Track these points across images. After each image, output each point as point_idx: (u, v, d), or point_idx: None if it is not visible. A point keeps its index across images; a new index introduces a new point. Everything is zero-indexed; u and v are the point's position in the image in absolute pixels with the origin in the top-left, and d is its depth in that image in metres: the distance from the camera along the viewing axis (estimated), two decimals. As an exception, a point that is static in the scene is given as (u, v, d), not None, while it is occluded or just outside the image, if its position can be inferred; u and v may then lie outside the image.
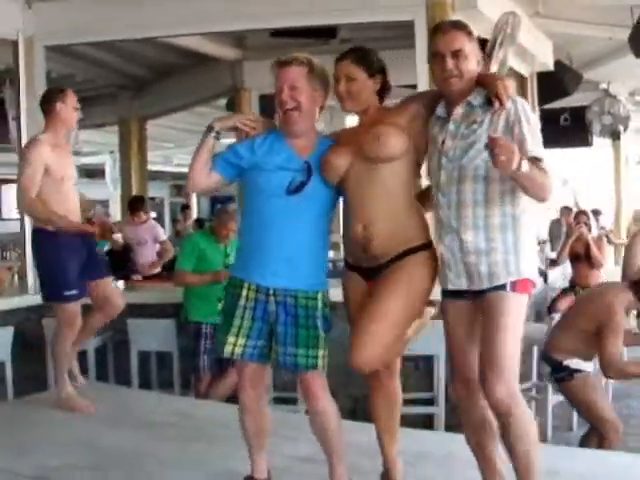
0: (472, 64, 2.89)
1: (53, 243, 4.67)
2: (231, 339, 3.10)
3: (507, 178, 2.71)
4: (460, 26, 2.94)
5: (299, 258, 3.06)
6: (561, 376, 4.89)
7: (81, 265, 4.75)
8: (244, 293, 3.11)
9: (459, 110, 2.90)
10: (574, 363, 4.85)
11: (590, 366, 4.87)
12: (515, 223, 2.81)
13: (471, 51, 2.88)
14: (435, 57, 2.89)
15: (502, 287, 2.78)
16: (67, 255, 4.68)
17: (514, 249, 2.80)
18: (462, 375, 2.96)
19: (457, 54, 2.84)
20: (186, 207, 16.58)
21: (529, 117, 2.77)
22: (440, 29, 2.94)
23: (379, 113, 3.09)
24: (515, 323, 2.78)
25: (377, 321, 2.93)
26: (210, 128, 3.16)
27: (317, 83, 3.10)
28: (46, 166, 4.65)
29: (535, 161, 2.69)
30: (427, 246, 3.04)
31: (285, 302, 3.07)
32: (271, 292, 3.08)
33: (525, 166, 2.59)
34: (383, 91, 3.13)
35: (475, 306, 2.88)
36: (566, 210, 11.92)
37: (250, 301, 3.10)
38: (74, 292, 4.70)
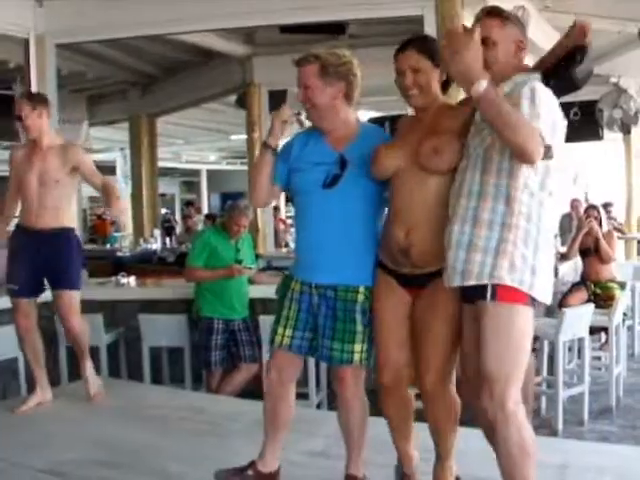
0: (502, 53, 2.74)
1: (10, 237, 4.93)
2: (280, 330, 3.14)
3: (503, 174, 2.61)
4: (495, 13, 2.79)
5: (339, 252, 3.06)
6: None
7: (34, 266, 4.71)
8: (292, 286, 3.17)
9: None
10: None
11: None
12: (507, 225, 2.62)
13: (503, 39, 2.74)
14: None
15: (482, 294, 2.65)
16: (16, 250, 4.78)
17: (495, 251, 2.63)
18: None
19: (485, 42, 2.67)
20: (190, 203, 16.59)
21: (534, 97, 2.54)
22: (476, 17, 2.81)
23: (439, 112, 2.94)
24: (498, 336, 2.64)
25: (433, 345, 2.87)
26: (266, 145, 3.21)
27: (333, 77, 3.07)
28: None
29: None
30: None
31: (326, 295, 3.09)
32: (314, 285, 3.11)
33: (482, 85, 2.45)
34: (447, 82, 2.99)
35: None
36: (577, 203, 11.89)
37: (296, 293, 3.15)
38: (13, 287, 4.75)
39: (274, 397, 3.23)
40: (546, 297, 2.71)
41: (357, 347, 3.05)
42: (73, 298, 4.84)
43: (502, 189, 2.63)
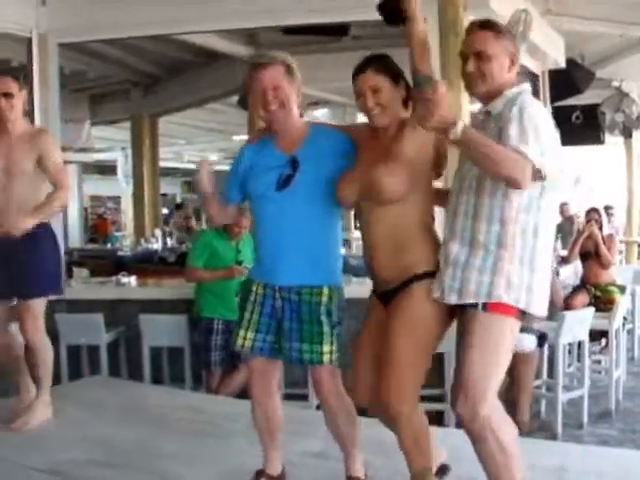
0: (497, 67, 2.73)
1: None
2: (242, 332, 3.16)
3: (498, 195, 2.62)
4: (489, 26, 2.79)
5: (299, 253, 3.07)
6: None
7: (4, 269, 4.32)
8: (254, 289, 3.18)
9: (479, 117, 2.83)
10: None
11: None
12: (503, 245, 2.64)
13: (498, 53, 2.73)
14: (461, 57, 2.79)
15: (474, 305, 2.67)
16: None
17: (491, 270, 2.64)
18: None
19: (480, 55, 2.72)
20: (179, 206, 16.64)
21: (522, 118, 2.53)
22: (467, 29, 2.84)
23: (398, 133, 2.89)
24: (487, 344, 2.65)
25: (389, 365, 2.81)
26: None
27: (294, 80, 3.11)
28: None
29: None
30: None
31: (290, 298, 3.10)
32: (277, 288, 3.12)
33: (458, 130, 2.43)
34: (407, 98, 2.96)
35: None
36: (565, 207, 11.95)
37: (259, 297, 3.16)
38: None
39: (264, 406, 3.26)
40: (543, 311, 2.74)
41: (325, 348, 3.06)
42: (38, 309, 4.39)
43: (496, 210, 2.64)
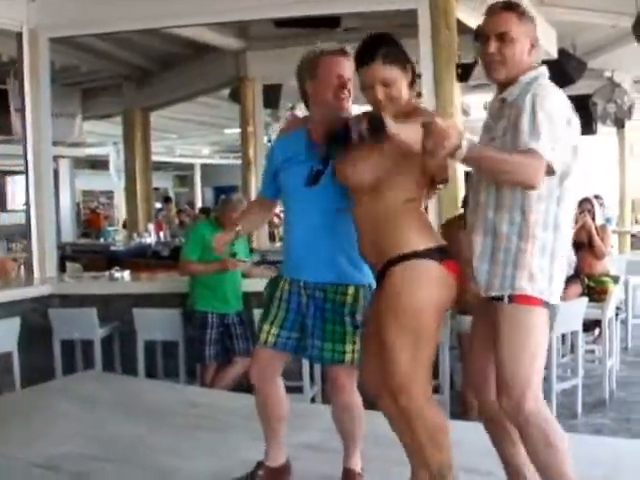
0: (519, 50, 2.64)
1: None
2: (266, 327, 3.14)
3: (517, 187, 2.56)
4: (512, 7, 2.67)
5: (326, 250, 3.04)
6: None
7: None
8: (280, 285, 3.16)
9: (495, 104, 2.75)
10: None
11: None
12: (523, 236, 2.59)
13: (520, 35, 2.64)
14: (480, 39, 2.69)
15: (500, 298, 2.63)
16: None
17: (514, 263, 2.61)
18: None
19: (502, 37, 2.62)
20: (167, 199, 16.62)
21: (535, 110, 2.46)
22: (488, 10, 2.70)
23: (409, 115, 2.75)
24: (517, 337, 2.60)
25: (385, 360, 2.74)
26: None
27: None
28: None
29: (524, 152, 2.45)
30: (420, 254, 2.72)
31: (314, 295, 3.08)
32: (302, 284, 3.10)
33: (462, 150, 2.37)
34: (413, 78, 2.86)
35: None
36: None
37: (285, 293, 3.14)
38: None
39: (264, 395, 3.23)
40: (558, 299, 2.71)
41: (348, 347, 3.03)
42: None
43: (517, 200, 2.60)
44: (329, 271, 3.05)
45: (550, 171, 2.47)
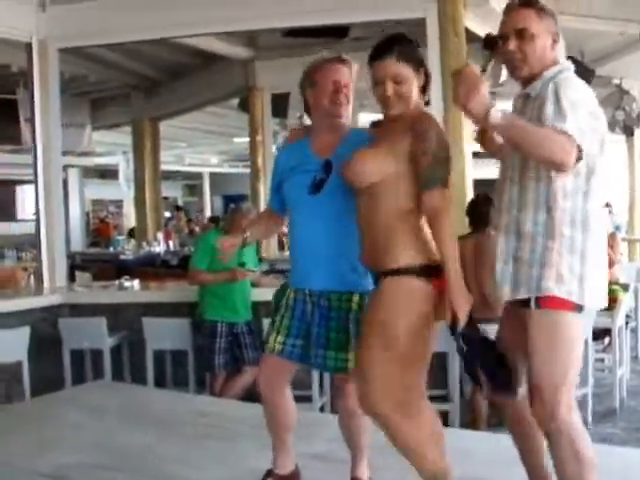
0: (540, 47, 2.61)
1: None
2: (272, 335, 3.14)
3: (542, 180, 2.50)
4: (531, 4, 2.63)
5: (330, 258, 3.04)
6: None
7: None
8: (287, 293, 3.17)
9: (519, 100, 2.71)
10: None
11: None
12: (550, 235, 2.52)
13: (541, 32, 2.62)
14: (500, 38, 2.65)
15: (526, 303, 2.57)
16: None
17: (540, 263, 2.53)
18: None
19: (522, 33, 2.59)
20: (178, 208, 16.65)
21: (559, 96, 2.42)
22: (507, 8, 2.68)
23: (413, 127, 2.69)
24: (547, 343, 2.54)
25: (359, 368, 2.74)
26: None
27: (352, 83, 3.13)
28: None
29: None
30: (415, 270, 2.68)
31: (319, 303, 3.07)
32: (307, 292, 3.10)
33: (496, 115, 2.35)
34: (426, 84, 2.83)
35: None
36: None
37: (291, 300, 3.15)
38: None
39: (272, 404, 3.23)
40: (600, 302, 2.63)
41: (351, 355, 3.00)
42: None
43: (541, 197, 2.54)
44: (333, 279, 3.05)
45: (579, 156, 2.39)
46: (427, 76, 2.83)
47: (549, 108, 2.42)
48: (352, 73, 3.10)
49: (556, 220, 2.51)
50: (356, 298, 3.04)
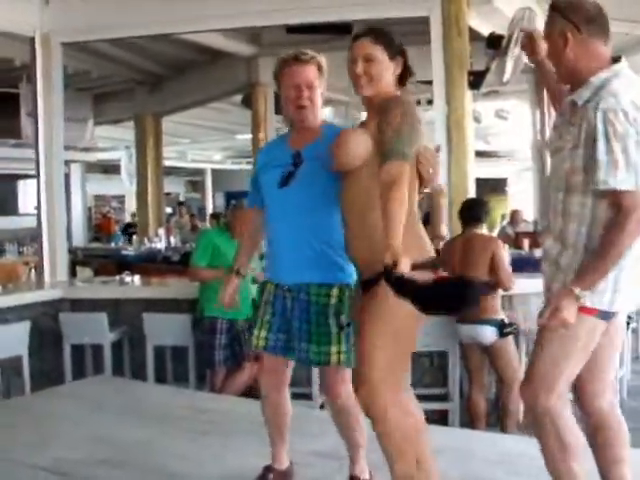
0: (560, 50, 2.58)
1: None
2: (256, 332, 3.18)
3: (588, 193, 2.50)
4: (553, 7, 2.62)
5: (304, 252, 3.05)
6: (509, 330, 5.17)
7: None
8: (267, 289, 3.20)
9: (566, 106, 2.65)
10: (506, 316, 5.22)
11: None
12: (589, 245, 2.52)
13: (548, 36, 2.64)
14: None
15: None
16: None
17: (570, 269, 2.55)
18: None
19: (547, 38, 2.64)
20: (180, 203, 16.68)
21: (608, 131, 2.41)
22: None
23: (383, 105, 2.69)
24: (558, 340, 2.57)
25: (359, 359, 2.72)
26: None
27: (322, 81, 3.15)
28: None
29: (611, 203, 2.44)
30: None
31: (299, 297, 3.09)
32: (286, 288, 3.12)
33: (580, 298, 2.44)
34: (404, 76, 2.86)
35: None
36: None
37: (271, 296, 3.17)
38: None
39: (272, 401, 3.26)
40: (630, 306, 2.68)
41: (333, 348, 3.02)
42: None
43: (587, 210, 2.53)
44: (311, 272, 3.06)
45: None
46: (405, 67, 2.84)
47: (601, 146, 2.41)
48: (319, 69, 3.12)
49: (598, 234, 2.51)
50: (335, 291, 3.04)
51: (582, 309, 2.50)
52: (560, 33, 2.57)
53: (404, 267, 2.38)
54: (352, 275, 3.01)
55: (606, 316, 2.57)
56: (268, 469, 3.34)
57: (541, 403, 2.59)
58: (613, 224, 2.44)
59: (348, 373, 3.04)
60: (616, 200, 2.43)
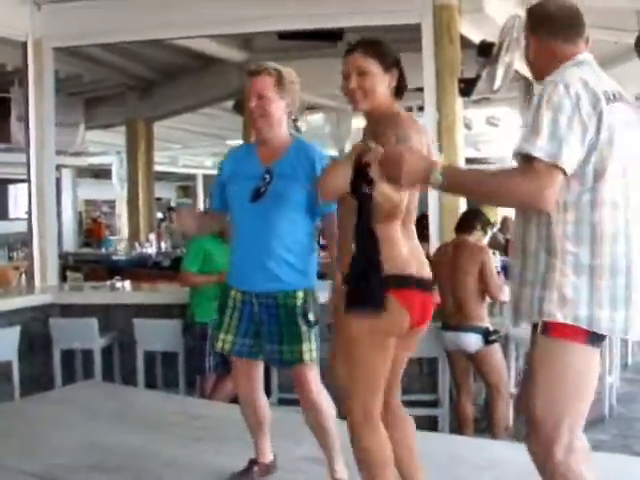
0: (533, 53, 2.51)
1: None
2: (222, 335, 3.31)
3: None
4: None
5: (274, 262, 3.18)
6: (494, 338, 5.17)
7: None
8: (232, 295, 3.31)
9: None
10: (491, 323, 5.24)
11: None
12: (552, 251, 2.24)
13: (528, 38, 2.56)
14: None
15: (535, 326, 2.32)
16: None
17: (542, 283, 2.26)
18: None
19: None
20: (171, 209, 16.65)
21: (541, 100, 2.18)
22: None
23: (378, 122, 2.66)
24: (550, 374, 2.27)
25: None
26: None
27: (285, 93, 3.20)
28: None
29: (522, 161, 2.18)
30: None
31: (267, 303, 3.22)
32: (254, 295, 3.24)
33: (436, 175, 2.22)
34: (400, 89, 2.77)
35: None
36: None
37: (238, 302, 3.29)
38: None
39: (252, 404, 3.45)
40: (627, 331, 2.30)
41: (304, 346, 3.19)
42: None
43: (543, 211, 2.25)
44: (277, 282, 3.20)
45: (564, 171, 2.15)
46: (401, 78, 2.77)
47: (527, 122, 2.23)
48: (278, 80, 3.18)
49: (558, 234, 2.24)
50: (300, 294, 3.21)
51: (565, 333, 2.24)
52: (525, 36, 2.58)
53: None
54: (314, 281, 3.30)
55: (596, 339, 2.28)
56: (253, 462, 3.49)
57: (555, 458, 2.26)
58: (511, 171, 2.24)
59: (317, 369, 3.27)
60: (528, 167, 2.16)
